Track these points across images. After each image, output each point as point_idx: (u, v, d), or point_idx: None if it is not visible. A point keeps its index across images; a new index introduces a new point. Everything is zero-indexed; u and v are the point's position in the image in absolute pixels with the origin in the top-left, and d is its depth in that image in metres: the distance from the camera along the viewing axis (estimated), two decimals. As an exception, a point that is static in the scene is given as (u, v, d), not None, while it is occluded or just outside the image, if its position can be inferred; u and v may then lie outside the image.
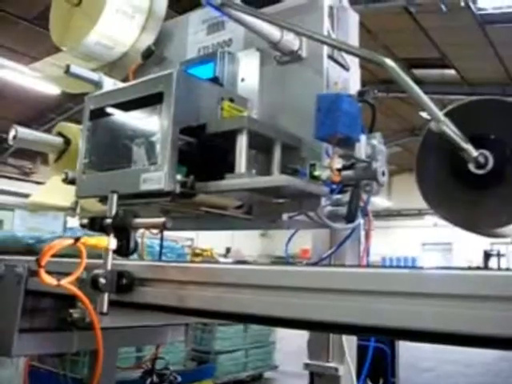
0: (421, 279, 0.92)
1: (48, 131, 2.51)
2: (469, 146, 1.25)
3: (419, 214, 21.99)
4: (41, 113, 15.50)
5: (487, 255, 18.55)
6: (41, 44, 9.39)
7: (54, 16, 2.39)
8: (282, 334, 8.57)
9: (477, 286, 0.84)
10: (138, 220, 1.39)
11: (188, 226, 2.07)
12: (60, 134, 2.32)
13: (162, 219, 1.36)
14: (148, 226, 1.45)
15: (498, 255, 18.49)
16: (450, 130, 1.25)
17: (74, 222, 2.66)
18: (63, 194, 2.19)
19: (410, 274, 0.95)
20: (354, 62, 1.88)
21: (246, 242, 23.25)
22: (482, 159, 1.26)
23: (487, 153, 1.26)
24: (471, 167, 1.27)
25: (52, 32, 2.35)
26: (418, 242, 24.98)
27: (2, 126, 14.92)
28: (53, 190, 2.45)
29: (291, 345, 7.79)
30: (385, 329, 0.95)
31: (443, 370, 9.11)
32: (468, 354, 9.66)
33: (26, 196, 3.08)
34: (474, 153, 1.25)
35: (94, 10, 2.13)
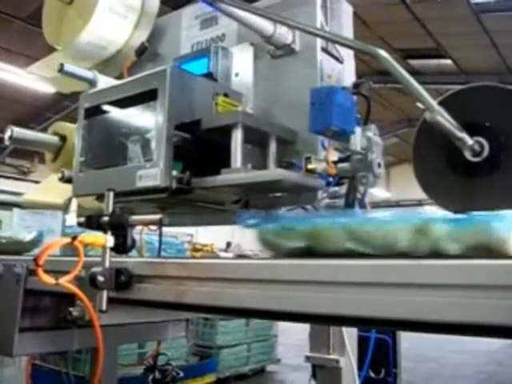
0: (419, 270, 0.92)
1: (45, 130, 2.52)
2: (464, 135, 1.25)
3: (418, 204, 21.98)
4: (37, 112, 15.46)
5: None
6: (36, 43, 9.36)
7: (47, 15, 2.38)
8: (284, 327, 8.60)
9: (475, 275, 0.84)
10: (135, 217, 1.39)
11: (186, 221, 2.07)
12: (56, 134, 2.32)
13: (159, 216, 1.36)
14: (145, 223, 1.45)
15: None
16: (445, 119, 1.25)
17: (72, 219, 2.66)
18: (57, 192, 2.20)
19: (408, 264, 0.95)
20: (348, 55, 1.88)
21: (245, 237, 23.24)
22: (477, 147, 1.26)
23: (483, 140, 1.26)
24: (467, 155, 1.27)
25: (45, 31, 2.34)
26: (417, 232, 25.00)
27: (-1, 126, 14.92)
28: (47, 188, 2.46)
29: (293, 338, 7.82)
30: (384, 320, 0.95)
31: (448, 360, 9.15)
32: (474, 343, 9.74)
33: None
34: (470, 141, 1.25)
35: (87, 8, 2.12)
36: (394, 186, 23.67)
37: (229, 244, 16.98)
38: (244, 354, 7.64)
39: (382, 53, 1.32)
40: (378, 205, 22.87)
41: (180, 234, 7.18)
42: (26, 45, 11.10)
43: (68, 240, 1.29)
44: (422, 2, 10.52)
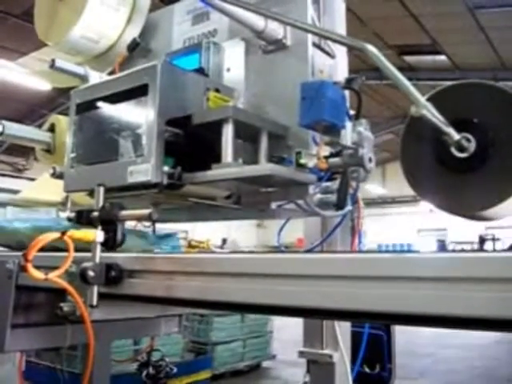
0: (411, 263, 0.92)
1: (40, 127, 2.51)
2: (450, 130, 1.25)
3: (414, 200, 21.99)
4: (32, 109, 15.42)
5: (482, 240, 18.66)
6: (30, 39, 9.31)
7: (39, 10, 2.38)
8: (280, 324, 8.60)
9: (468, 268, 0.84)
10: (125, 212, 1.39)
11: (179, 217, 2.07)
12: (52, 127, 2.32)
13: (148, 210, 1.36)
14: (134, 218, 1.45)
15: (493, 239, 18.59)
16: (431, 114, 1.25)
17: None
18: (54, 189, 2.19)
19: (400, 258, 0.95)
20: (341, 50, 1.88)
21: (242, 233, 23.33)
22: (464, 142, 1.26)
23: (469, 136, 1.26)
24: (454, 151, 1.27)
25: (37, 27, 2.33)
26: (413, 228, 25.05)
27: (-6, 123, 14.84)
28: (43, 185, 2.45)
29: (289, 334, 7.82)
30: (377, 313, 0.96)
31: (442, 355, 9.19)
32: (466, 337, 9.81)
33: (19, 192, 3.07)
34: (456, 136, 1.25)
35: (78, 3, 2.11)
36: (389, 183, 23.69)
37: (224, 240, 16.98)
38: (239, 351, 7.66)
39: (370, 47, 1.32)
40: (373, 201, 22.92)
41: (175, 230, 7.16)
42: (20, 41, 11.04)
43: (57, 235, 1.28)
44: (416, -2, 10.52)
